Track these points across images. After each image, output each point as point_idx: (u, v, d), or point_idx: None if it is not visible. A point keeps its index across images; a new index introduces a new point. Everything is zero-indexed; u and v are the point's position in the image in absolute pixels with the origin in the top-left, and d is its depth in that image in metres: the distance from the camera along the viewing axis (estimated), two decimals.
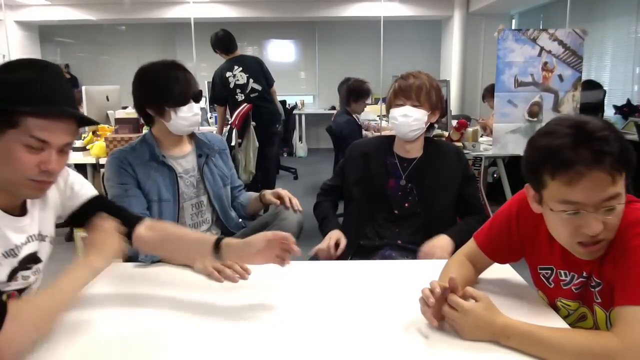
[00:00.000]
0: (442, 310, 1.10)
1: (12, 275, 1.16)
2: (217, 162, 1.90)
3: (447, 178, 1.88)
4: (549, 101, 3.66)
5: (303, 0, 8.21)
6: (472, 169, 2.02)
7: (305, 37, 9.43)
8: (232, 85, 4.46)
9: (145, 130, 3.36)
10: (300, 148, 8.90)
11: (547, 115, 3.64)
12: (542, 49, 3.61)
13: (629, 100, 5.25)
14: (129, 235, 1.32)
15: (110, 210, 1.33)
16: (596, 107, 4.62)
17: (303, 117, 8.87)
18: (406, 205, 1.89)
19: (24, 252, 1.19)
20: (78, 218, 1.32)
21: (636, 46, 5.76)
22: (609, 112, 5.26)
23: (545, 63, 3.62)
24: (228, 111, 4.57)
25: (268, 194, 1.90)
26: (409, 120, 1.81)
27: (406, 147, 1.90)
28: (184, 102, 1.71)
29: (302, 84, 9.70)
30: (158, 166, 1.74)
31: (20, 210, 1.18)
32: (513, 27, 8.25)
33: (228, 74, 4.46)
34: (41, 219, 1.24)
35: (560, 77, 3.65)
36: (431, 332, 1.13)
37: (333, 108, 8.36)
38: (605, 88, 5.05)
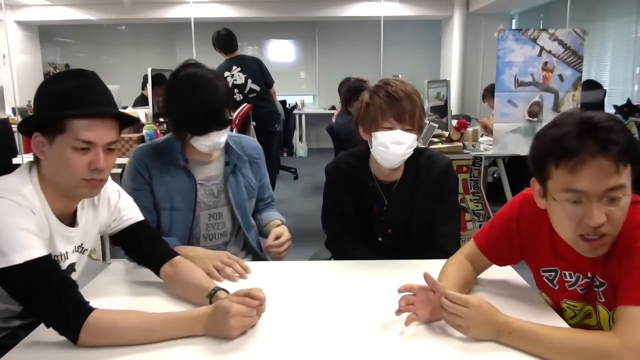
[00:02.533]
0: (446, 309, 1.10)
1: None
2: (246, 172, 1.75)
3: (425, 200, 1.66)
4: (549, 101, 3.66)
5: (303, 0, 8.20)
6: (450, 186, 1.70)
7: (305, 37, 9.43)
8: (230, 85, 4.46)
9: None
10: (300, 148, 8.90)
11: (547, 115, 3.64)
12: (542, 48, 3.60)
13: (629, 100, 5.25)
14: (158, 269, 1.37)
15: (149, 240, 1.40)
16: (596, 107, 4.61)
17: (303, 117, 8.88)
18: (389, 231, 1.71)
19: (68, 262, 1.25)
20: (120, 239, 1.40)
21: (636, 46, 5.76)
22: (609, 112, 5.26)
23: (546, 63, 3.62)
24: None
25: (270, 227, 1.74)
26: (402, 148, 1.53)
27: (386, 172, 1.65)
28: (202, 133, 1.56)
29: (302, 84, 9.70)
30: (176, 171, 1.63)
31: (71, 221, 1.25)
32: (513, 27, 8.26)
33: (226, 73, 4.47)
34: (87, 232, 1.31)
35: (561, 77, 3.64)
36: (429, 332, 1.13)
37: (333, 108, 8.36)
38: (605, 88, 5.05)
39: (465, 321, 1.07)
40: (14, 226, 1.05)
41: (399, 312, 1.15)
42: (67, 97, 1.12)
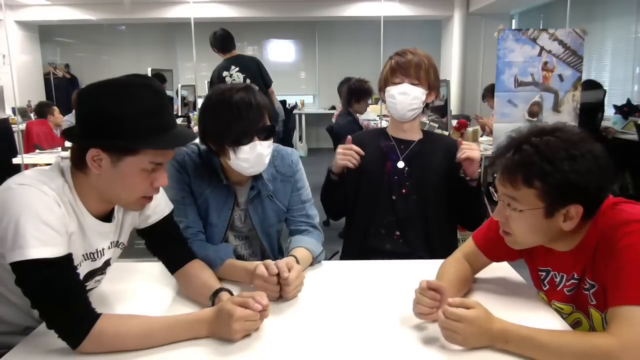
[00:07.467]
0: (440, 324, 1.08)
1: (87, 277, 1.21)
2: (277, 194, 1.61)
3: (442, 165, 1.77)
4: (549, 101, 3.66)
5: (303, 0, 8.21)
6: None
7: (305, 37, 9.44)
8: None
9: None
10: (300, 148, 8.90)
11: (547, 115, 3.64)
12: (542, 48, 3.60)
13: (629, 100, 5.25)
14: (173, 270, 1.36)
15: (174, 238, 1.37)
16: (596, 107, 4.62)
17: (303, 117, 8.89)
18: (403, 191, 1.78)
19: (104, 258, 1.24)
20: (145, 233, 1.36)
21: (636, 46, 5.76)
22: (609, 112, 5.26)
23: (545, 63, 3.62)
24: None
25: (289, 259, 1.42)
26: (407, 98, 1.73)
27: (404, 127, 1.82)
28: (244, 141, 1.43)
29: (302, 84, 9.71)
30: (217, 185, 1.55)
31: (107, 217, 1.22)
32: (513, 27, 8.26)
33: (225, 73, 4.48)
34: (123, 225, 1.28)
35: (560, 77, 3.64)
36: (429, 333, 1.13)
37: (333, 108, 8.37)
38: (605, 88, 5.05)
39: (462, 336, 1.05)
40: (36, 218, 1.00)
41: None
42: (145, 120, 1.06)
